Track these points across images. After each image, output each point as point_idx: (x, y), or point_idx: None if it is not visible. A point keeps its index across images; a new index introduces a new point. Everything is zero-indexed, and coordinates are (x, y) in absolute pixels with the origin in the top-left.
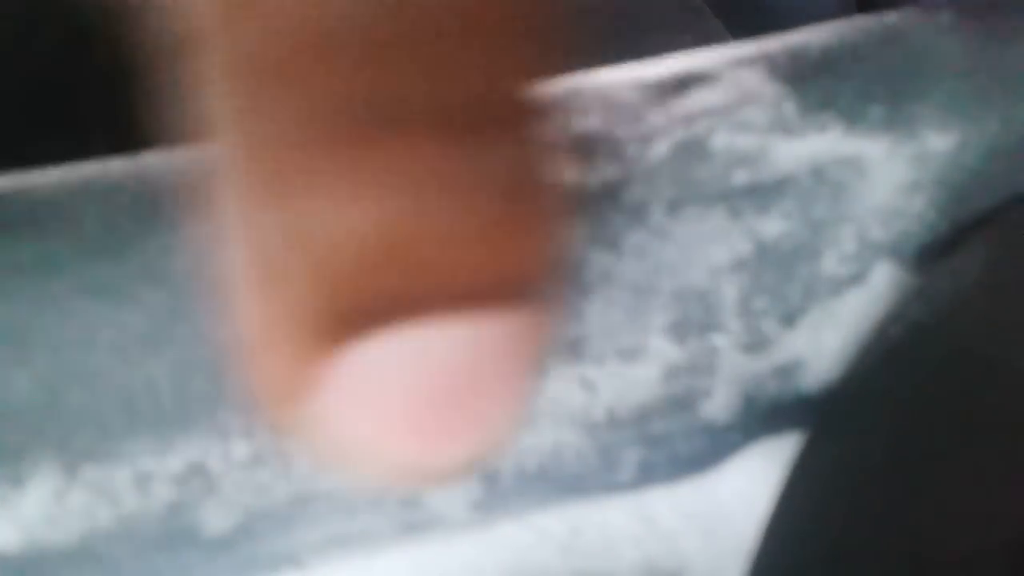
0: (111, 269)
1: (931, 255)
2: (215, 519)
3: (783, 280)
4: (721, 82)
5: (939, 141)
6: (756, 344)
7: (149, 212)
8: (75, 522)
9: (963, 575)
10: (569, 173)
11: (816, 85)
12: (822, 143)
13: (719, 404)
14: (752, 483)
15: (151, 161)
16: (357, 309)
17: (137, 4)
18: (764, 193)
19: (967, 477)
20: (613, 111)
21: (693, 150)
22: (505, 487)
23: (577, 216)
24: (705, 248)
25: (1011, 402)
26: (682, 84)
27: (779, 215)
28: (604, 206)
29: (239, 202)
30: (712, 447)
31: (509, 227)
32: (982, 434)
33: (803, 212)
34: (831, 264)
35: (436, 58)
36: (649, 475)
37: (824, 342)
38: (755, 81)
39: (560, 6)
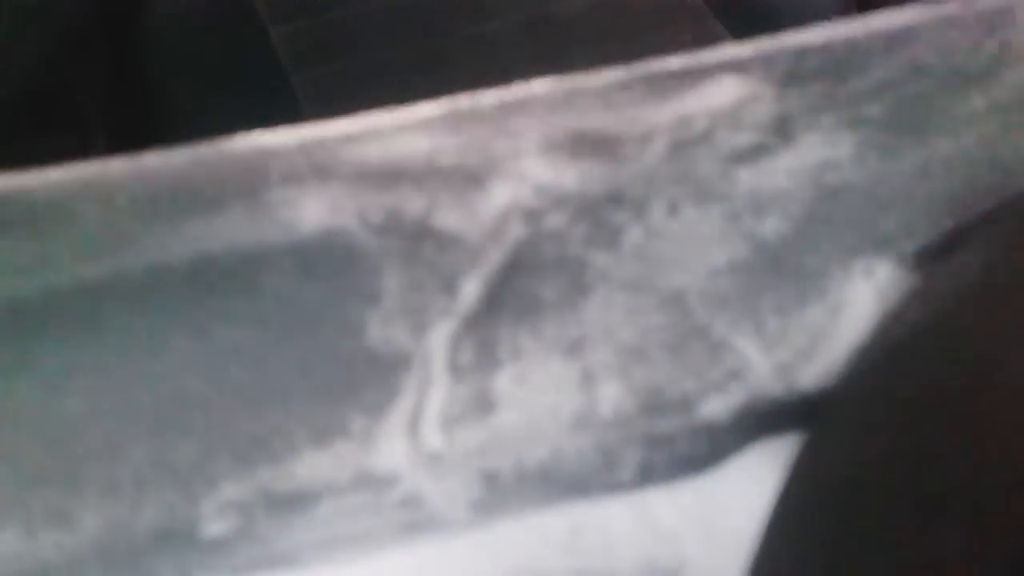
0: (111, 269)
1: (931, 255)
2: (215, 520)
3: (782, 280)
4: (721, 82)
5: (940, 142)
6: (756, 345)
7: (149, 212)
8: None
9: (963, 575)
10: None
11: (816, 85)
12: (821, 143)
13: (719, 404)
14: (752, 483)
15: (151, 161)
16: None
17: None
18: (763, 192)
19: (967, 477)
20: (613, 111)
21: (693, 150)
22: (505, 487)
23: None
24: (704, 248)
25: (1011, 402)
26: (682, 84)
27: (778, 215)
28: (604, 206)
29: None
30: (712, 447)
31: None
32: (982, 434)
33: (802, 212)
34: (831, 264)
35: None
36: (649, 475)
37: (824, 342)
38: (755, 81)
39: None
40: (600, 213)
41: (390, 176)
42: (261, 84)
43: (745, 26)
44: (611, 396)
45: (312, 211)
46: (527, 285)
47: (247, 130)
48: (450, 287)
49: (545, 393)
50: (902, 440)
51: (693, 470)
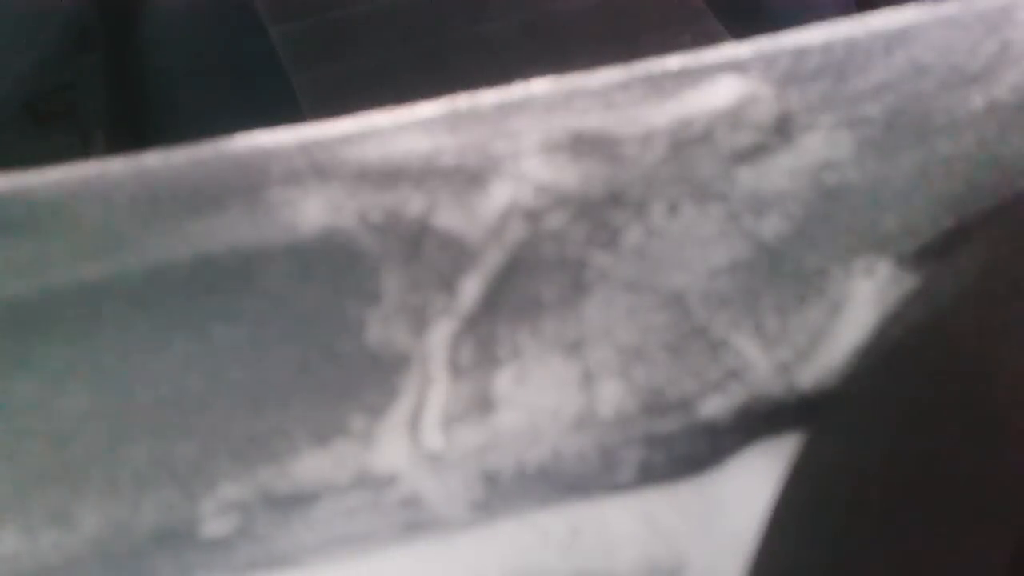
0: (111, 269)
1: (931, 255)
2: (215, 520)
3: (782, 279)
4: (721, 82)
5: (940, 142)
6: (756, 344)
7: (149, 212)
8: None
9: (963, 575)
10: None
11: (816, 85)
12: (822, 143)
13: (719, 404)
14: (752, 483)
15: (151, 161)
16: None
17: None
18: (763, 192)
19: (967, 477)
20: (613, 111)
21: (693, 150)
22: (506, 487)
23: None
24: (704, 248)
25: (1010, 402)
26: (682, 84)
27: (778, 215)
28: (604, 206)
29: None
30: (712, 447)
31: None
32: (981, 434)
33: (802, 212)
34: (831, 264)
35: None
36: (649, 475)
37: (824, 341)
38: (755, 81)
39: None
40: (600, 213)
41: (390, 176)
42: (261, 84)
43: (745, 26)
44: (611, 396)
45: (312, 211)
46: (527, 285)
47: (247, 130)
48: (450, 287)
49: (545, 393)
50: (903, 440)
51: (693, 470)
